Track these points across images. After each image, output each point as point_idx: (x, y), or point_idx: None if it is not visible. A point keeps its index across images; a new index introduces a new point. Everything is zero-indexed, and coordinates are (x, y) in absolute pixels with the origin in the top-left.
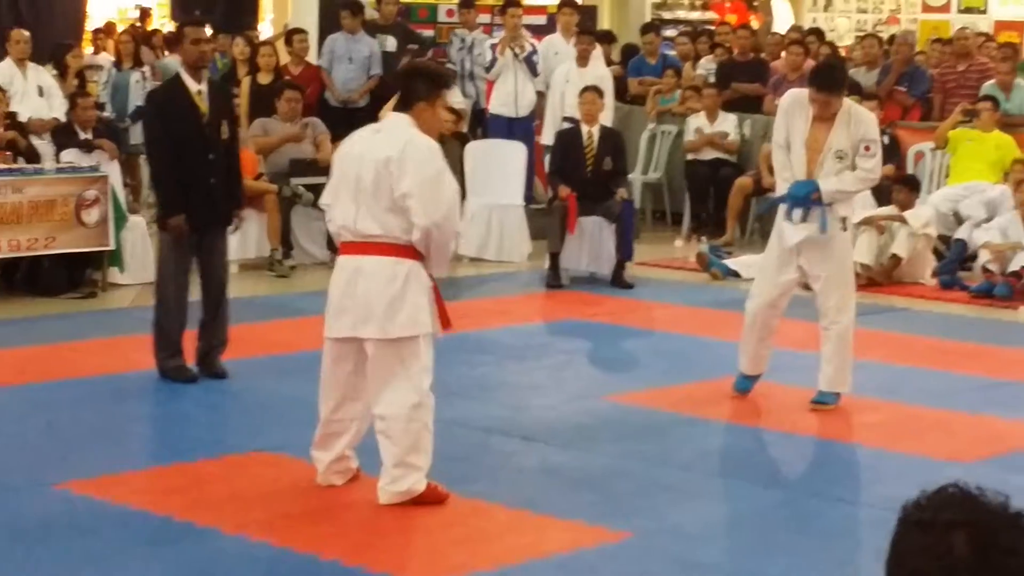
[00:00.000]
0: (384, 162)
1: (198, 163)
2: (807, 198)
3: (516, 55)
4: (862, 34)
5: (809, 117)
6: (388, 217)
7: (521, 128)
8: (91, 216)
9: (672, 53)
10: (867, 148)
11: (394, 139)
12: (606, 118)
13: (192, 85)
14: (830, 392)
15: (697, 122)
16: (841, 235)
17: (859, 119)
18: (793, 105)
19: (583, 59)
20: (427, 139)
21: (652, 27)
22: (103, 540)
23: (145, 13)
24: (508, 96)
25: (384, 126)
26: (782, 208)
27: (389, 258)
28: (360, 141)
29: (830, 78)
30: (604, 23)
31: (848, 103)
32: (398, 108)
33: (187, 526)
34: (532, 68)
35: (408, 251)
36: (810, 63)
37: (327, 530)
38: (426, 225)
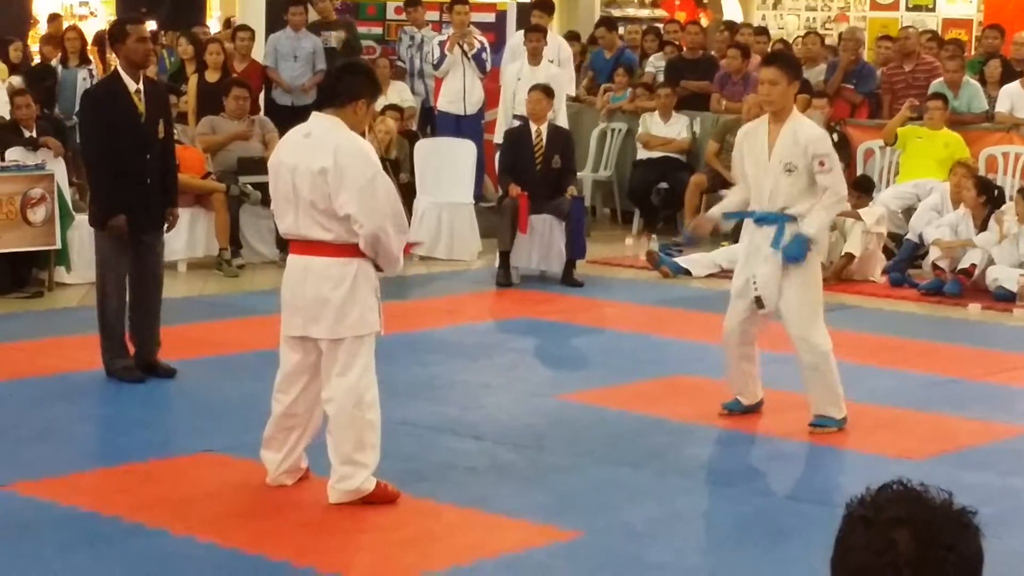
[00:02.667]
0: (319, 172)
1: (135, 162)
2: (805, 252)
3: (465, 52)
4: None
5: (764, 138)
6: (331, 223)
7: (469, 126)
8: (37, 215)
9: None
10: (821, 163)
11: (326, 145)
12: (561, 116)
13: (130, 84)
14: (825, 416)
15: (651, 122)
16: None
17: (807, 136)
18: (745, 136)
19: (534, 57)
20: (358, 141)
21: (605, 22)
22: (50, 542)
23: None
24: (456, 94)
25: (313, 129)
26: (748, 230)
27: (337, 259)
28: (291, 149)
29: (779, 56)
30: (554, 20)
31: (796, 115)
32: (327, 106)
33: (136, 527)
34: (481, 66)
35: (355, 250)
36: (755, 61)
37: (276, 530)
38: (371, 230)
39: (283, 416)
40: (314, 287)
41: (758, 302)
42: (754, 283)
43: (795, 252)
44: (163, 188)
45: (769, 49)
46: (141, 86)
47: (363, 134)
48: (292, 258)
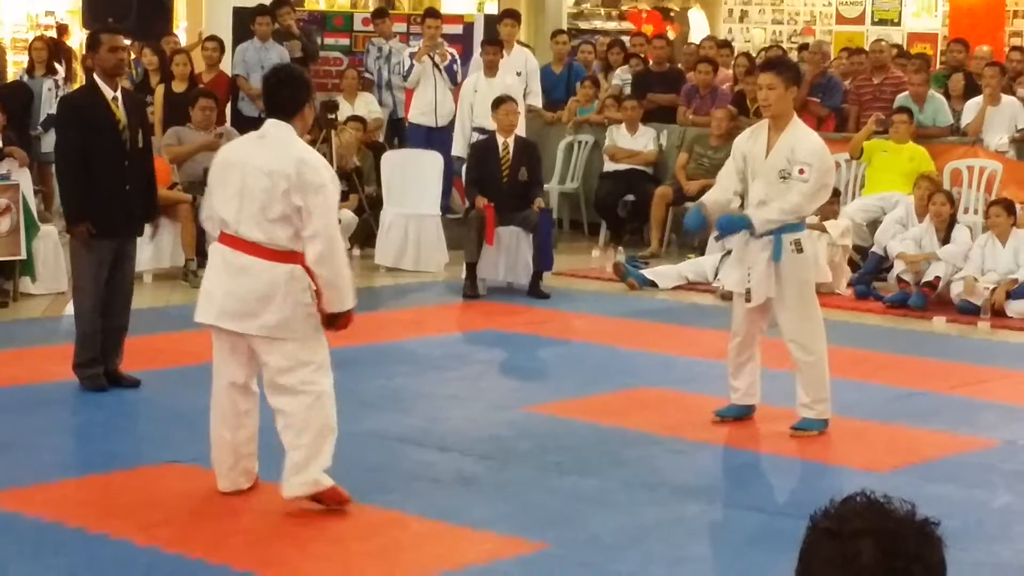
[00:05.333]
0: (279, 175)
1: (114, 170)
2: (729, 230)
3: (436, 65)
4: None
5: (763, 143)
6: (273, 228)
7: (440, 138)
8: (2, 225)
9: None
10: (801, 171)
11: (284, 153)
12: (519, 127)
13: (107, 92)
14: (813, 419)
15: (618, 134)
16: (794, 258)
17: (803, 144)
18: (746, 141)
19: (491, 69)
20: (315, 154)
21: (563, 31)
22: (15, 552)
23: (62, 29)
24: (428, 106)
25: (267, 133)
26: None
27: (271, 262)
28: (242, 148)
29: (776, 61)
30: (520, 32)
31: (798, 123)
32: (277, 115)
33: (101, 538)
34: (452, 77)
35: (291, 256)
36: (725, 74)
37: (241, 541)
38: (316, 230)
39: (231, 415)
40: (249, 285)
41: (747, 294)
42: (748, 276)
43: (728, 226)
44: (143, 197)
45: (733, 62)
46: (119, 94)
47: (316, 139)
48: (226, 251)
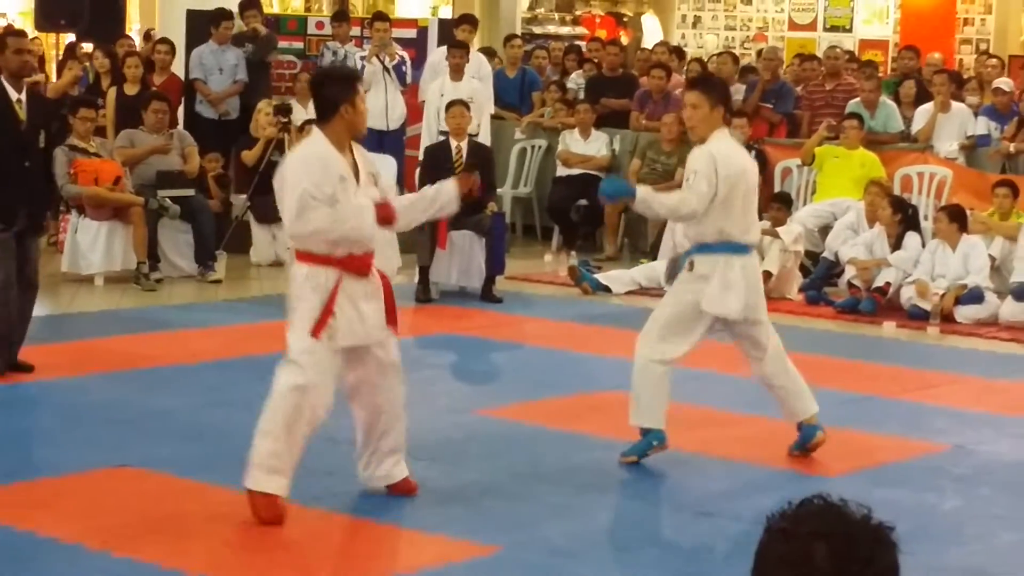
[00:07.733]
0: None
1: (14, 169)
2: (613, 196)
3: (385, 67)
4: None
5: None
6: None
7: (392, 141)
8: None
9: (531, 67)
10: (687, 178)
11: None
12: (483, 132)
13: (12, 93)
14: (641, 437)
15: (571, 139)
16: (685, 276)
17: (697, 151)
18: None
19: (456, 73)
20: (309, 153)
21: (516, 36)
22: None
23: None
24: (379, 109)
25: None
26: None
27: (297, 262)
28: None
29: (702, 80)
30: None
31: (714, 136)
32: (318, 120)
33: (50, 542)
34: (400, 78)
35: (306, 256)
36: (678, 80)
37: (193, 546)
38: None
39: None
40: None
41: None
42: None
43: (607, 187)
44: (43, 196)
45: (685, 68)
46: (23, 96)
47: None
48: None
